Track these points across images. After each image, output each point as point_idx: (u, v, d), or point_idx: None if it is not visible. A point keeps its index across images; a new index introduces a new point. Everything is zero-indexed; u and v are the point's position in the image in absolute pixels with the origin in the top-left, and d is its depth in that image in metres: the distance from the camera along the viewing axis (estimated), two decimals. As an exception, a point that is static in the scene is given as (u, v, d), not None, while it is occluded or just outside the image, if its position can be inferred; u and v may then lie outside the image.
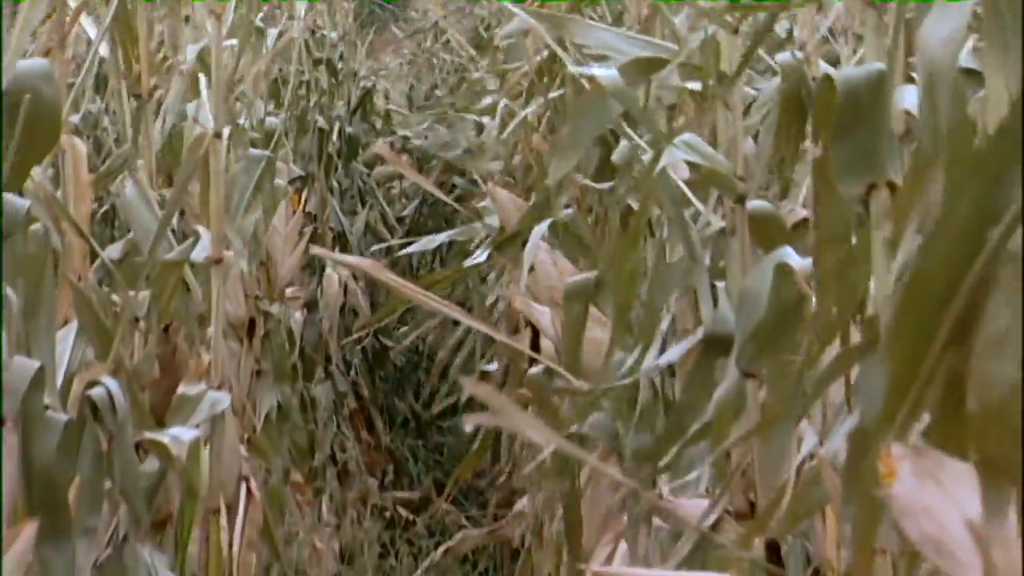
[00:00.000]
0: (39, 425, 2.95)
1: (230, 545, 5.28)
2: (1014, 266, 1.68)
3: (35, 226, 3.41)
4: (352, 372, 10.28)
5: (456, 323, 9.83)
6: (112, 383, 3.45)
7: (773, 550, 3.58)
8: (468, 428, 2.31)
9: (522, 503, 7.32)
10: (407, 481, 10.17)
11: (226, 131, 5.81)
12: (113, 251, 5.14)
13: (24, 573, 2.66)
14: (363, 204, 11.82)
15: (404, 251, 10.40)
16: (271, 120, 8.42)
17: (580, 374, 5.25)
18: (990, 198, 1.75)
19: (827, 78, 3.00)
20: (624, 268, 4.66)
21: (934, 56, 2.36)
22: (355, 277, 10.10)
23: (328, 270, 9.90)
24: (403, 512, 9.52)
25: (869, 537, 2.20)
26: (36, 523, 2.50)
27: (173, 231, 5.40)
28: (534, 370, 5.79)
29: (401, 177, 12.18)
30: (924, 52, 2.39)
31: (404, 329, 11.28)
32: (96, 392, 3.42)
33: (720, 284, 4.09)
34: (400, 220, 12.14)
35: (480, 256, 6.90)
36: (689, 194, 4.21)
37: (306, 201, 9.80)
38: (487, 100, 10.32)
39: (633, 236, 4.54)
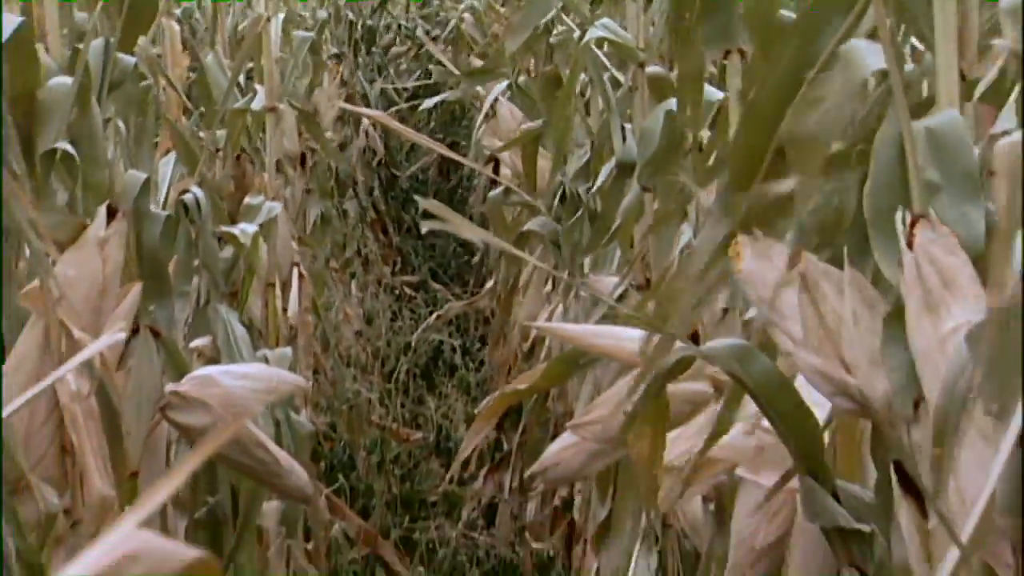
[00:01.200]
0: (147, 219, 2.93)
1: (284, 311, 5.29)
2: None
3: (144, 83, 3.38)
4: (372, 193, 10.24)
5: (444, 157, 9.79)
6: (198, 191, 3.44)
7: (661, 310, 3.59)
8: (423, 231, 2.34)
9: (491, 282, 7.33)
10: (410, 269, 10.16)
11: (280, 16, 5.77)
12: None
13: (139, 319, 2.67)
14: (379, 75, 11.73)
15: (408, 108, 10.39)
16: (320, 13, 8.34)
17: (533, 192, 5.26)
18: (805, 51, 1.74)
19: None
20: (561, 118, 4.64)
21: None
22: (374, 126, 10.03)
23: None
24: (407, 290, 9.52)
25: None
26: (142, 283, 2.50)
27: (241, 90, 5.35)
28: (495, 191, 5.78)
29: (406, 55, 12.08)
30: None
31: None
32: (187, 197, 3.41)
33: (627, 125, 4.08)
34: (405, 88, 12.03)
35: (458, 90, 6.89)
36: (606, 62, 4.20)
37: (341, 72, 9.70)
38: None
39: (567, 94, 4.51)
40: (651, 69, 3.81)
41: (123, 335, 2.34)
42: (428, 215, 1.92)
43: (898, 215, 1.64)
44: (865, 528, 1.88)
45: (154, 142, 3.35)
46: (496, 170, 5.97)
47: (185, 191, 3.38)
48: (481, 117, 6.92)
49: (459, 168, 10.35)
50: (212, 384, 2.84)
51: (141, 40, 2.90)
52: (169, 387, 2.80)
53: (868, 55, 1.69)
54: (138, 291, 2.41)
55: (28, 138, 2.44)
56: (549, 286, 5.54)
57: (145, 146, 3.15)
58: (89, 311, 2.28)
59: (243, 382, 2.90)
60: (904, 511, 1.68)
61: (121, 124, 2.98)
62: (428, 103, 9.37)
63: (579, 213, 4.74)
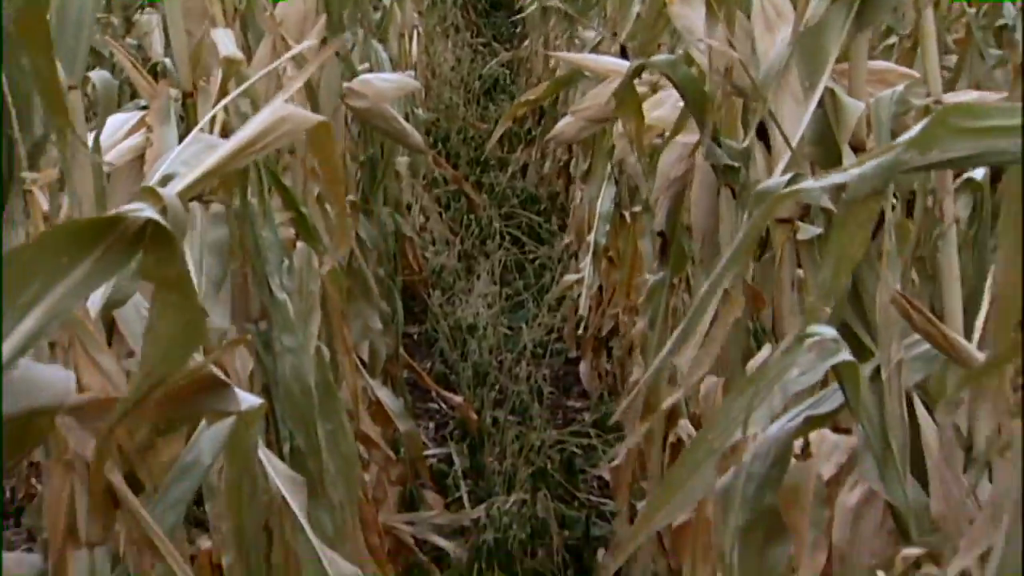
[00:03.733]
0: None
1: (408, 52, 5.11)
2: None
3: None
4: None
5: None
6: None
7: (624, 53, 3.43)
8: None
9: (527, 42, 7.08)
10: (481, 34, 9.75)
11: None
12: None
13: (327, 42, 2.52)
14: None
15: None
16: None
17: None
18: None
19: None
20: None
21: None
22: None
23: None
24: (480, 47, 9.14)
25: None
26: (326, 19, 2.37)
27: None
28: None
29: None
30: None
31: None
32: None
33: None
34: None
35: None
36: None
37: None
38: None
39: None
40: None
41: (316, 43, 2.23)
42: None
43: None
44: (736, 164, 1.82)
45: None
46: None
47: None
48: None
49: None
50: (369, 84, 2.74)
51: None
52: (345, 85, 2.70)
53: None
54: (324, 22, 2.29)
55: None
56: (560, 40, 5.33)
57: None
58: (297, 31, 2.17)
59: (386, 83, 2.79)
60: (760, 153, 1.62)
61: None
62: None
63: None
